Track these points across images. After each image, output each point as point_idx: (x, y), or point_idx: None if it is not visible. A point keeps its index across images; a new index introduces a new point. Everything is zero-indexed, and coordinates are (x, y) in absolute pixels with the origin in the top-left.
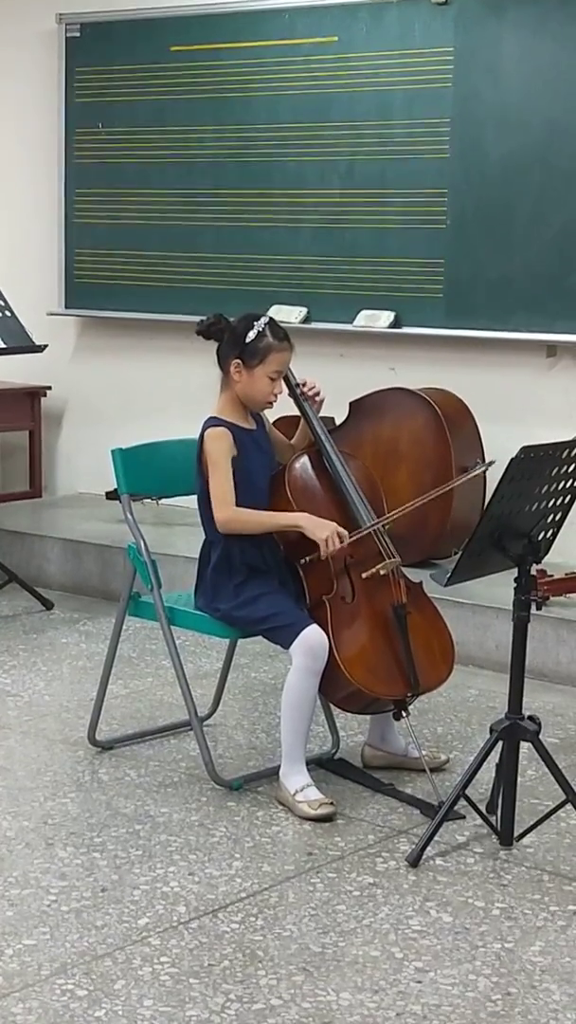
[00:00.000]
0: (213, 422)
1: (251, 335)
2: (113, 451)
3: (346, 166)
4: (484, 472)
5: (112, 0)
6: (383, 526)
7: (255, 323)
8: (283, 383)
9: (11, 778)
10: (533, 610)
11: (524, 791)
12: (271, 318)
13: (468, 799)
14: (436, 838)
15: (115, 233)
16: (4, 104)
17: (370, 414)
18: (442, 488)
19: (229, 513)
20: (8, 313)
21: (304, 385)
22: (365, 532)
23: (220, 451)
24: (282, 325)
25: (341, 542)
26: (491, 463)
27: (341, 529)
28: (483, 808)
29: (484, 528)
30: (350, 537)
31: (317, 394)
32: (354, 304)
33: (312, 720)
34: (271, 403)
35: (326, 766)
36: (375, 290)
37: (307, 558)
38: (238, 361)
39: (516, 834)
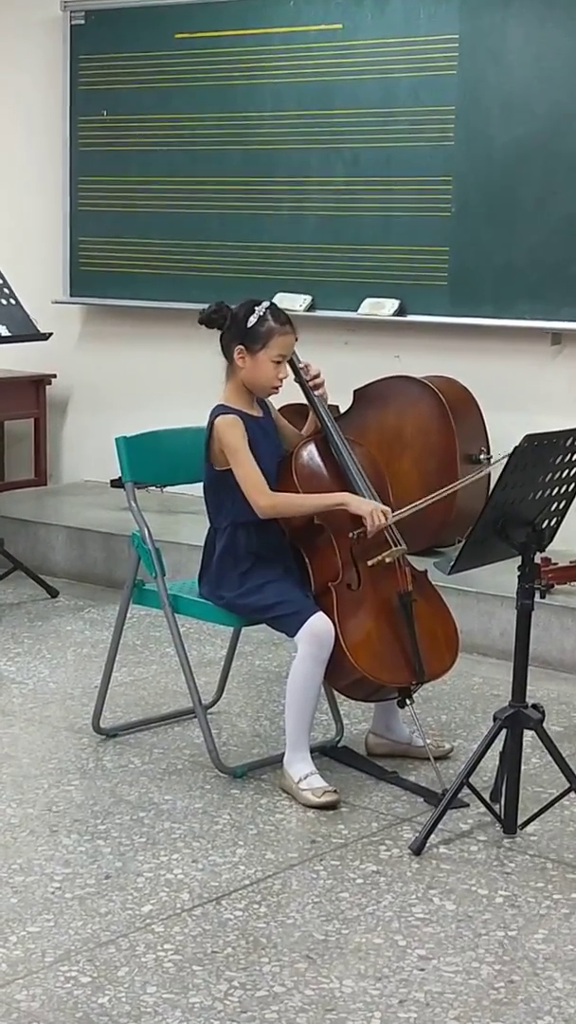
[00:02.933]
0: (221, 410)
1: (252, 320)
2: (117, 439)
3: (351, 153)
4: (488, 463)
5: None
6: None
7: (256, 308)
8: (288, 368)
9: (16, 765)
10: (537, 598)
11: (528, 779)
12: (272, 303)
13: (472, 787)
14: (440, 826)
15: (119, 221)
16: (8, 91)
17: (375, 402)
18: (458, 484)
19: (271, 499)
20: (13, 301)
21: (306, 370)
22: (402, 515)
23: (236, 438)
24: (284, 311)
25: (384, 519)
26: (502, 458)
27: (384, 506)
28: (487, 796)
29: (488, 516)
30: (392, 517)
31: (316, 376)
32: (359, 292)
33: (316, 708)
34: (276, 388)
35: (330, 754)
36: (380, 278)
37: (355, 533)
38: (241, 347)
39: (520, 822)
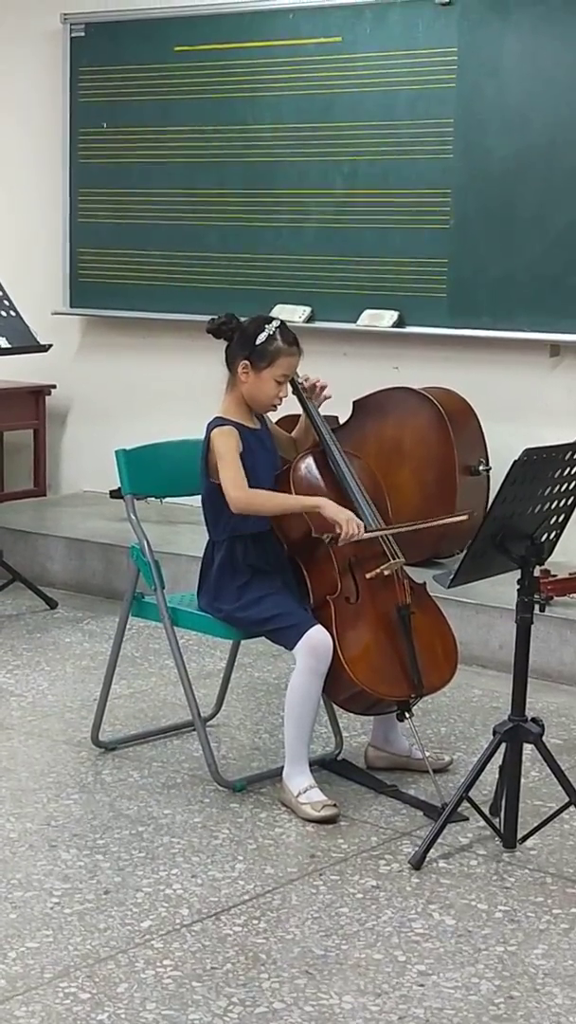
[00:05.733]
0: (218, 422)
1: (261, 337)
2: (117, 452)
3: (350, 166)
4: (487, 474)
5: (116, 0)
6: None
7: (266, 326)
8: (289, 386)
9: (14, 779)
10: (536, 611)
11: (527, 793)
12: (282, 321)
13: (471, 801)
14: (439, 840)
15: (119, 232)
16: (9, 103)
17: (373, 413)
18: (457, 516)
19: (244, 494)
20: (13, 312)
21: (309, 390)
22: (379, 534)
23: (228, 446)
24: (293, 331)
25: (358, 531)
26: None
27: (359, 520)
28: (486, 810)
29: (487, 530)
30: (365, 533)
31: (314, 386)
32: (358, 303)
33: (316, 721)
34: (276, 406)
35: (329, 767)
36: (379, 289)
37: (327, 536)
38: (246, 362)
39: (519, 836)
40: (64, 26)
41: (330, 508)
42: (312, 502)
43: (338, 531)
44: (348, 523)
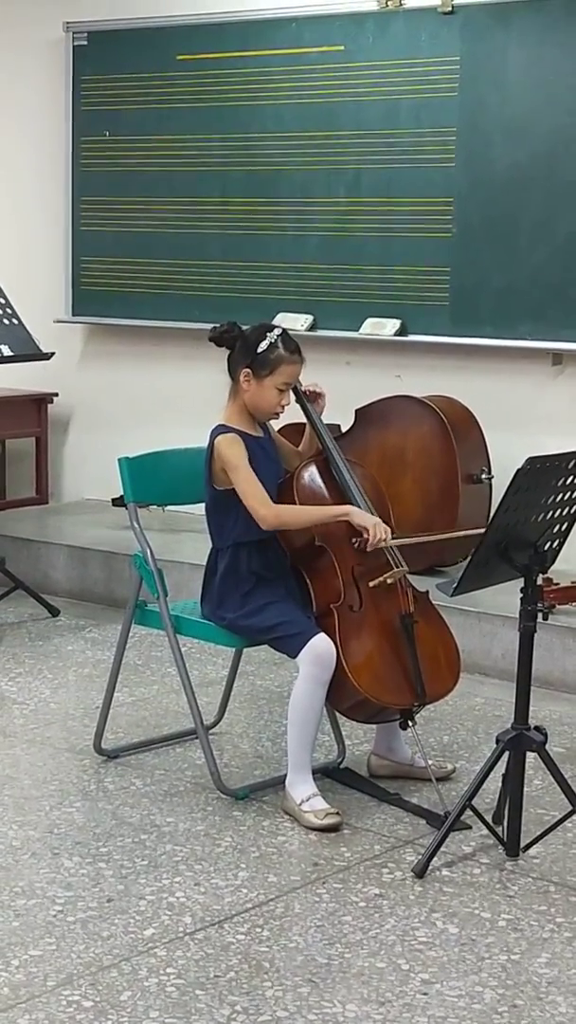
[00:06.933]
0: (221, 429)
1: (263, 345)
2: (120, 460)
3: (352, 174)
4: (490, 483)
5: (119, 8)
6: (393, 536)
7: (268, 334)
8: (291, 394)
9: (17, 787)
10: (539, 620)
11: (530, 801)
12: (284, 330)
13: (474, 809)
14: (442, 848)
15: (121, 241)
16: (11, 112)
17: (376, 422)
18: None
19: (273, 510)
20: (15, 320)
21: (309, 396)
22: (405, 542)
23: (237, 455)
24: (293, 337)
25: (385, 536)
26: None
27: (386, 525)
28: (489, 818)
29: (490, 539)
30: (392, 539)
31: (320, 395)
32: (360, 312)
33: (318, 729)
34: (278, 414)
35: (332, 775)
36: (381, 298)
37: (356, 540)
38: (248, 371)
39: (522, 845)
40: (67, 35)
41: (356, 514)
42: (340, 510)
43: (366, 536)
44: (376, 527)
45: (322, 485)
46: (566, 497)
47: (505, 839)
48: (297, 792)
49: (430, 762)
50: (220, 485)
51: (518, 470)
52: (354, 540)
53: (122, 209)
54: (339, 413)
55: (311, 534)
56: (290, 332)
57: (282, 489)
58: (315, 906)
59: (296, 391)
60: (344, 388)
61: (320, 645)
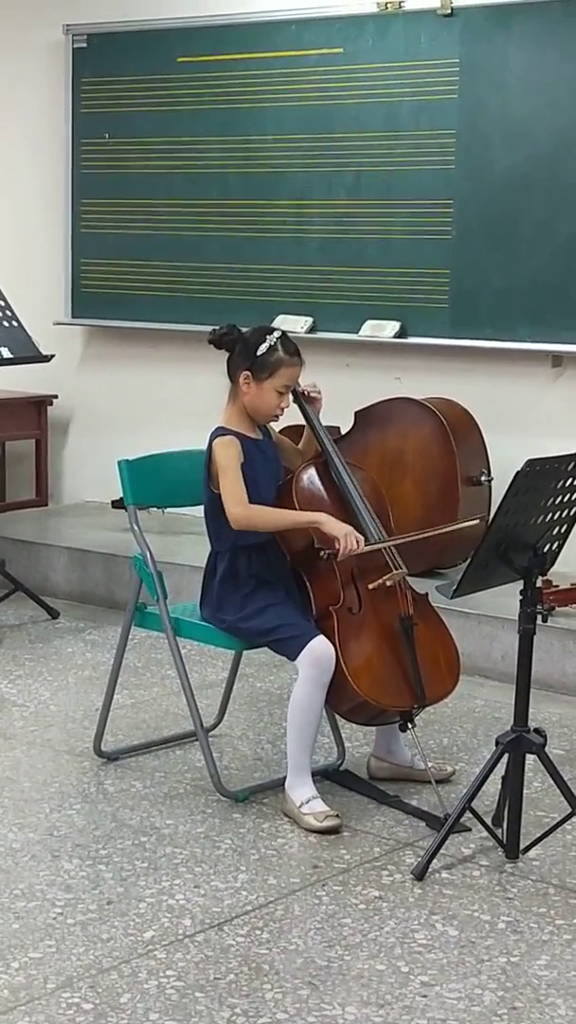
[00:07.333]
0: (220, 432)
1: (262, 348)
2: (120, 463)
3: (352, 177)
4: (489, 485)
5: (119, 11)
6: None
7: (267, 336)
8: (290, 396)
9: (17, 789)
10: (539, 622)
11: (530, 803)
12: (283, 332)
13: (474, 812)
14: (442, 851)
15: (121, 243)
16: (11, 114)
17: (376, 424)
18: (456, 525)
19: (244, 510)
20: (15, 323)
21: (308, 397)
22: (380, 547)
23: (229, 456)
24: (293, 339)
25: (357, 545)
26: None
27: (358, 534)
28: (489, 821)
29: (489, 541)
30: (366, 545)
31: (312, 394)
32: (360, 314)
33: (318, 731)
34: (277, 417)
35: (332, 778)
36: (381, 300)
37: (326, 552)
38: (247, 373)
39: (522, 847)
40: (66, 37)
41: (328, 523)
42: (310, 517)
43: (337, 546)
44: (347, 537)
45: (321, 487)
46: (566, 499)
47: (505, 841)
48: (297, 794)
49: (430, 764)
50: (218, 488)
51: (518, 472)
52: (322, 552)
53: (122, 211)
54: (339, 415)
55: (309, 537)
56: (290, 334)
57: (281, 492)
58: (315, 908)
59: (295, 393)
60: (344, 390)
61: (319, 647)
